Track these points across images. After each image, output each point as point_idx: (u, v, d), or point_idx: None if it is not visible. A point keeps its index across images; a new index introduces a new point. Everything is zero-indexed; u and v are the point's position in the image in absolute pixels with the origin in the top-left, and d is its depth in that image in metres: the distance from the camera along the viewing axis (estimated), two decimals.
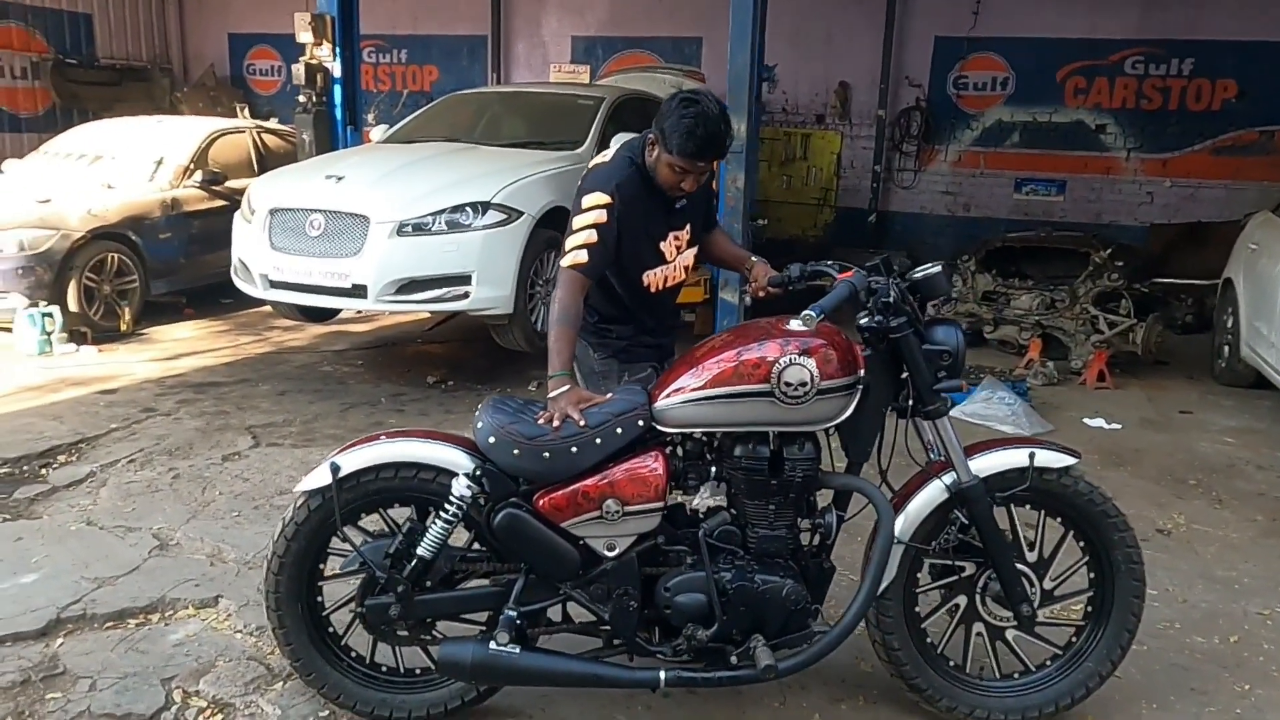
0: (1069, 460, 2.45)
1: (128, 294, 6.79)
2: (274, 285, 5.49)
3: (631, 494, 2.31)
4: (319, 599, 2.55)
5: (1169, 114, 9.19)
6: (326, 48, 7.50)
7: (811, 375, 2.25)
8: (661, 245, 2.75)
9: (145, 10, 12.22)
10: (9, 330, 6.17)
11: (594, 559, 2.39)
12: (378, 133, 7.00)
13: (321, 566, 2.53)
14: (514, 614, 2.36)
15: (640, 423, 2.35)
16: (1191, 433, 5.33)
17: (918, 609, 2.55)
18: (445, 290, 5.23)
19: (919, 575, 2.54)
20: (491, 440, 2.35)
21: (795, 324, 2.30)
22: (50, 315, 6.10)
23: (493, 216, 5.27)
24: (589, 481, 2.32)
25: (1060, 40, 9.35)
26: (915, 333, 2.35)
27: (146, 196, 7.02)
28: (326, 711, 2.58)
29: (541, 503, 2.34)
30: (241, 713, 2.59)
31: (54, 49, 11.02)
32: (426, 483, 2.42)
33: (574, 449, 2.32)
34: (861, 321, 2.38)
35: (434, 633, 2.52)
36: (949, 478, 2.42)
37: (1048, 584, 2.54)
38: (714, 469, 2.39)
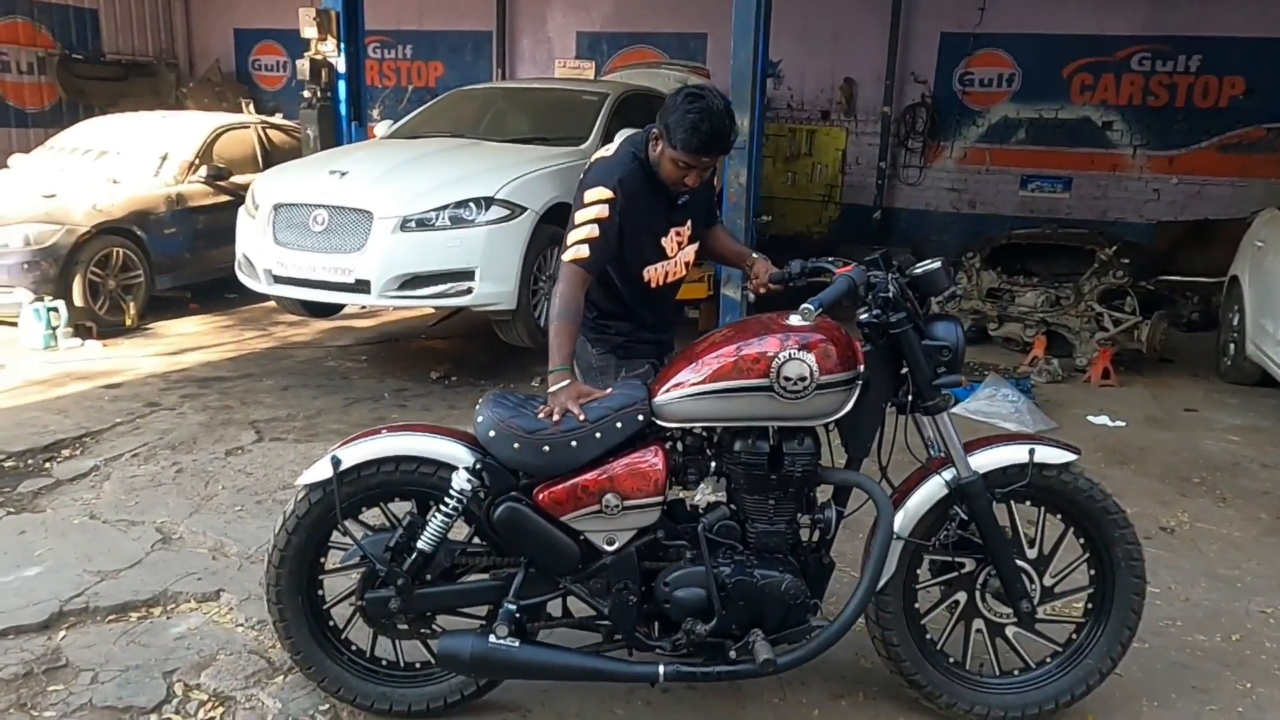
0: (1069, 456, 2.45)
1: (132, 289, 6.81)
2: (278, 280, 5.50)
3: (631, 488, 2.31)
4: (320, 592, 2.57)
5: (1176, 111, 9.16)
6: (331, 43, 7.50)
7: (811, 370, 2.25)
8: (663, 241, 2.75)
9: (151, 5, 12.26)
10: (14, 325, 6.19)
11: (593, 553, 2.39)
12: (382, 128, 7.01)
13: (322, 560, 2.55)
14: (513, 608, 2.37)
15: (640, 417, 2.35)
16: (1196, 431, 5.31)
17: (917, 605, 2.55)
18: (449, 286, 5.24)
19: (918, 571, 2.54)
20: (492, 434, 2.35)
21: (795, 319, 2.30)
22: (55, 310, 6.12)
23: (496, 212, 5.27)
24: (589, 476, 2.32)
25: (1067, 36, 9.31)
26: (915, 328, 2.34)
27: (151, 192, 7.03)
28: (327, 705, 2.59)
29: (541, 497, 2.34)
30: (242, 706, 2.60)
31: (60, 44, 11.06)
32: (427, 477, 2.42)
33: (574, 443, 2.32)
34: (861, 317, 2.38)
35: (434, 627, 2.52)
36: (949, 473, 2.41)
37: (1048, 581, 2.53)
38: (713, 464, 2.40)
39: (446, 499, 2.36)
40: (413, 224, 5.18)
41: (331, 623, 2.60)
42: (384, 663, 2.61)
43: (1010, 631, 2.56)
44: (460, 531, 2.52)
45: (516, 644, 2.35)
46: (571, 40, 11.29)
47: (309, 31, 7.48)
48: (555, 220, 5.28)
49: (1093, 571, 2.56)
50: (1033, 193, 9.77)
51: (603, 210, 2.56)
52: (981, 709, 2.55)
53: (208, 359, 6.11)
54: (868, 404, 2.36)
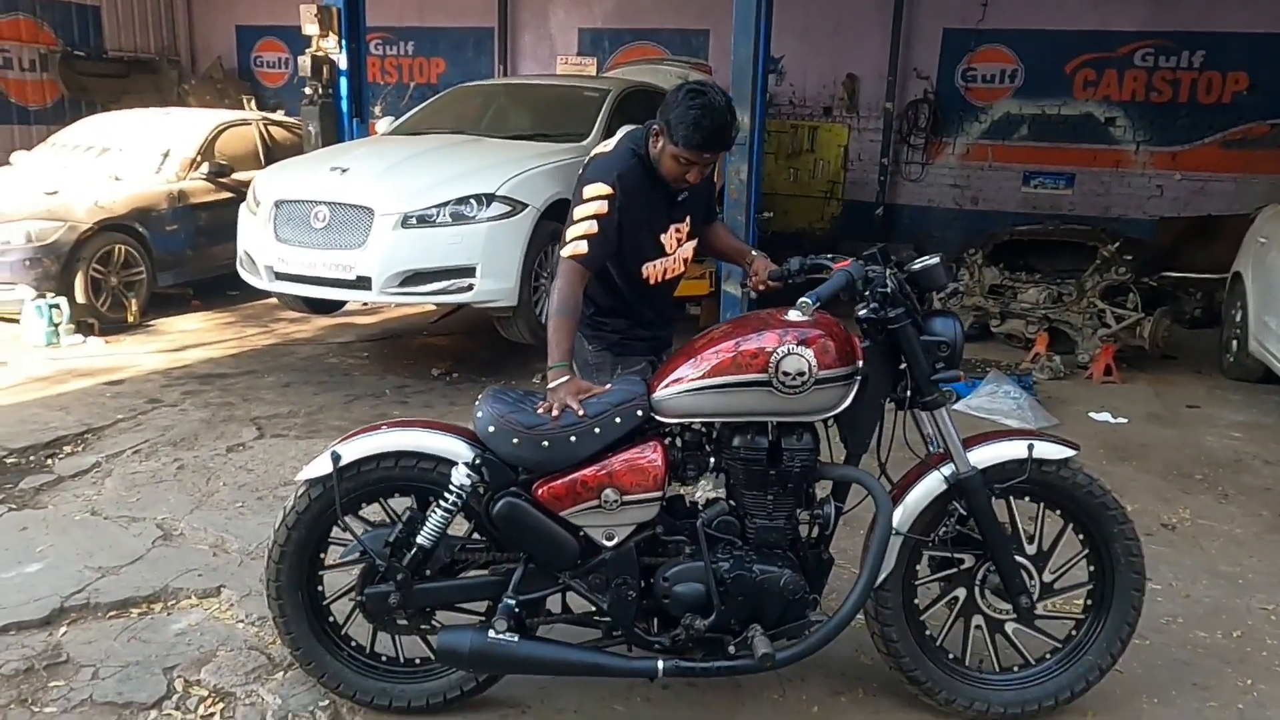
0: (1068, 452, 2.45)
1: (134, 285, 6.82)
2: (279, 277, 5.50)
3: (630, 483, 2.31)
4: (319, 588, 2.57)
5: (1179, 106, 9.12)
6: (332, 39, 7.51)
7: (809, 365, 2.25)
8: (662, 237, 2.74)
9: (153, 2, 12.25)
10: (16, 321, 6.21)
11: (593, 549, 2.39)
12: (383, 125, 7.01)
13: (322, 556, 2.55)
14: (512, 602, 2.37)
15: (639, 413, 2.35)
16: (1198, 427, 5.30)
17: (916, 601, 2.55)
18: (450, 282, 5.24)
19: (918, 567, 2.54)
20: (491, 429, 2.35)
21: (794, 314, 2.30)
22: (57, 307, 6.13)
23: (497, 209, 5.27)
24: (588, 471, 2.33)
25: (1069, 32, 9.28)
26: (913, 323, 2.35)
27: (153, 188, 7.04)
28: (327, 701, 2.59)
29: (540, 492, 2.35)
30: (242, 702, 2.61)
31: (62, 41, 11.05)
32: (427, 472, 2.43)
33: (573, 438, 2.32)
34: (860, 313, 2.38)
35: (433, 622, 2.53)
36: (947, 469, 2.42)
37: (1047, 576, 2.53)
38: (712, 460, 2.40)
39: (446, 494, 2.37)
40: (414, 220, 5.18)
41: (331, 618, 2.61)
42: (384, 658, 2.61)
43: (1010, 628, 2.56)
44: (460, 528, 2.52)
45: (515, 639, 2.35)
46: (573, 36, 11.28)
47: (310, 28, 7.48)
48: (556, 217, 5.27)
49: (1092, 567, 2.55)
50: (1035, 189, 9.74)
51: (602, 206, 2.56)
52: (981, 705, 2.55)
53: (209, 355, 6.12)
54: (866, 399, 2.36)
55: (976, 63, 9.76)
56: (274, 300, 6.74)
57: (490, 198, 5.27)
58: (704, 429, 2.44)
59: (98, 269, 6.52)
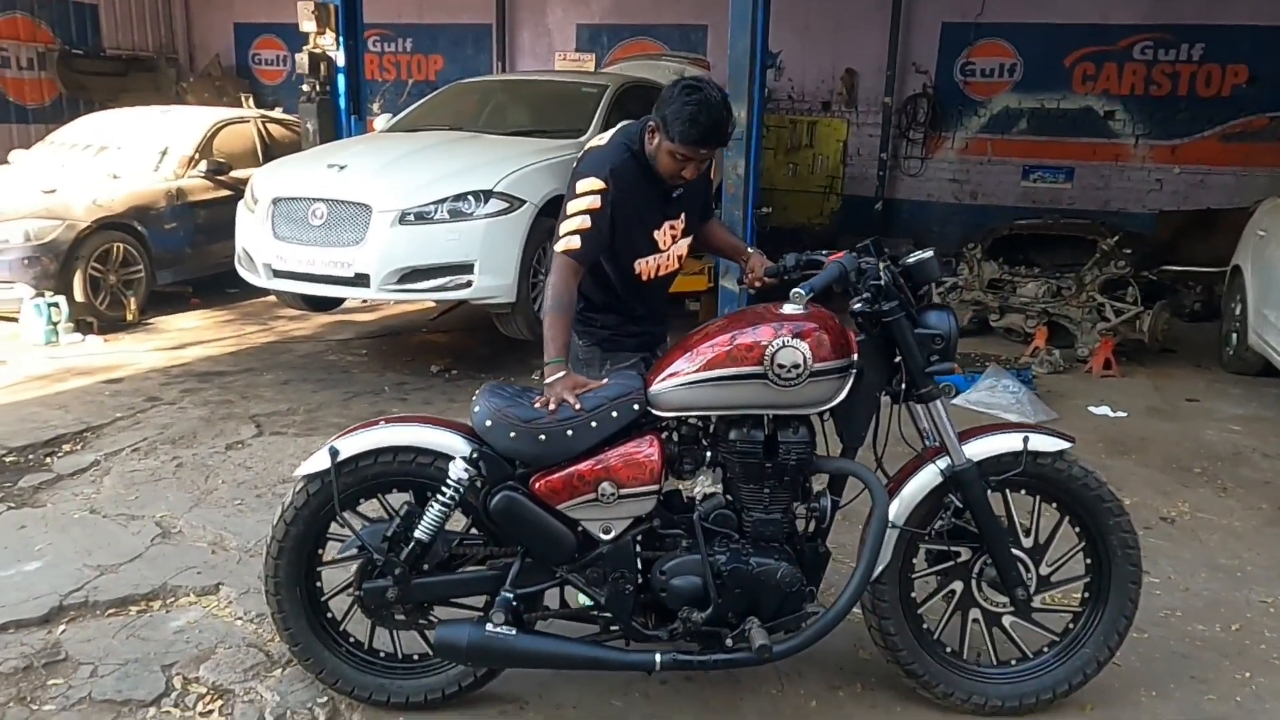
0: (1063, 444, 2.45)
1: (133, 284, 6.82)
2: (277, 274, 5.50)
3: (627, 477, 2.32)
4: (318, 584, 2.57)
5: (1178, 100, 9.11)
6: (330, 36, 7.50)
7: (804, 357, 2.26)
8: (655, 234, 2.74)
9: (151, 0, 12.23)
10: (15, 320, 6.20)
11: (590, 543, 2.40)
12: (381, 122, 7.00)
13: (320, 552, 2.55)
14: (510, 596, 2.38)
15: (635, 407, 2.36)
16: (1198, 421, 5.30)
17: (914, 595, 2.55)
18: (448, 279, 5.23)
19: (914, 561, 2.54)
20: (488, 424, 2.36)
21: (789, 308, 2.32)
22: (56, 305, 6.13)
23: (495, 205, 5.26)
24: (585, 464, 2.33)
25: (1069, 26, 9.27)
26: (908, 316, 2.36)
27: (152, 186, 7.04)
28: (325, 698, 2.59)
29: (538, 485, 2.35)
30: (241, 699, 2.61)
31: (60, 39, 11.05)
32: (424, 467, 2.43)
33: (569, 432, 2.33)
34: (855, 307, 2.39)
35: (431, 617, 2.53)
36: (943, 462, 2.42)
37: (1044, 570, 2.54)
38: (709, 454, 2.40)
39: (444, 488, 2.37)
40: (411, 217, 5.17)
41: (329, 614, 2.61)
42: (382, 654, 2.61)
43: (1007, 621, 2.56)
44: (458, 524, 2.53)
45: (513, 632, 2.36)
46: (571, 33, 11.26)
47: (308, 25, 7.48)
48: (554, 213, 5.16)
49: (1089, 560, 2.56)
50: (1035, 183, 9.74)
51: (594, 201, 2.56)
52: (979, 699, 2.55)
53: (208, 354, 6.12)
54: (862, 393, 2.37)
55: (975, 57, 9.75)
56: (273, 298, 6.74)
57: (488, 194, 5.26)
58: (700, 423, 2.44)
59: (96, 267, 6.52)
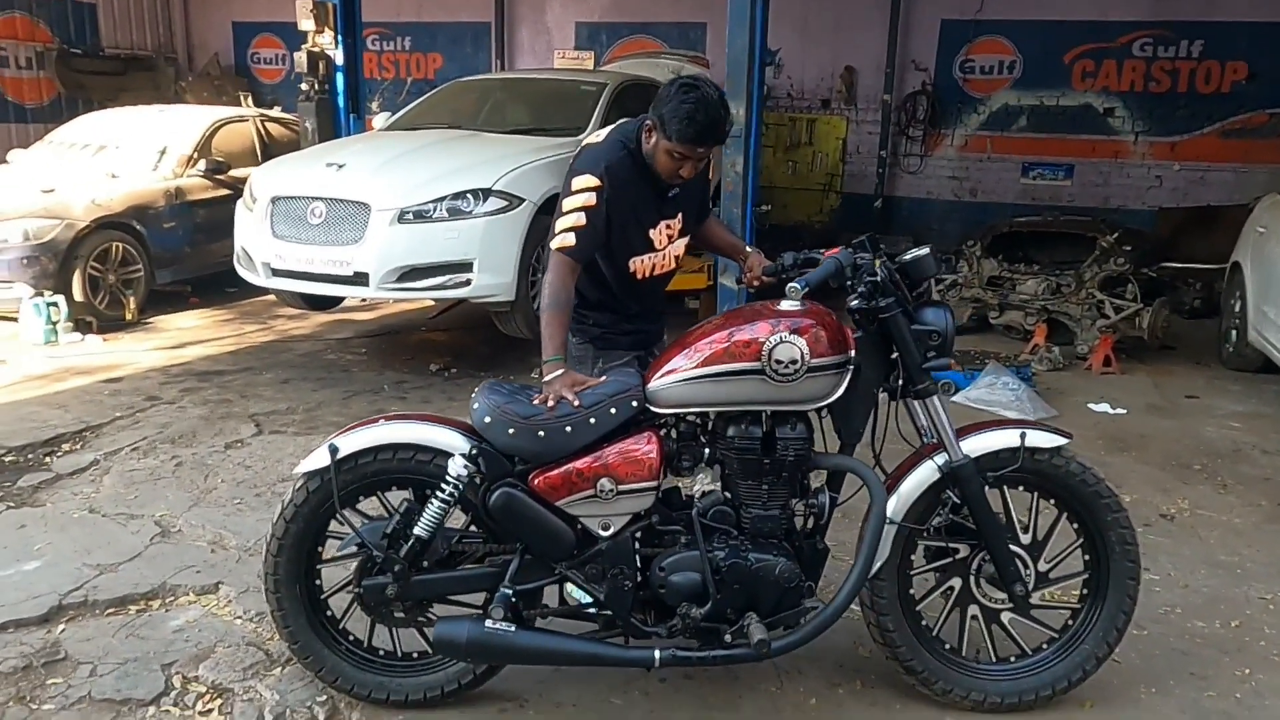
0: (1060, 440, 2.46)
1: (132, 283, 6.82)
2: (276, 273, 5.50)
3: (625, 473, 2.32)
4: (317, 582, 2.57)
5: (1178, 96, 9.10)
6: (328, 35, 7.50)
7: (802, 353, 2.27)
8: (651, 233, 2.74)
9: None
10: (15, 320, 6.20)
11: (589, 539, 2.40)
12: (380, 120, 7.00)
13: (320, 549, 2.55)
14: (509, 592, 2.38)
15: (634, 403, 2.36)
16: (1197, 418, 5.30)
17: (912, 591, 2.55)
18: (447, 278, 5.23)
19: (913, 558, 2.54)
20: (488, 420, 2.36)
21: (786, 304, 2.33)
22: (55, 305, 6.13)
23: (494, 203, 5.26)
24: (583, 461, 2.34)
25: (1068, 23, 9.26)
26: (904, 313, 2.37)
27: (150, 186, 7.04)
28: (325, 696, 2.59)
29: (537, 482, 2.36)
30: (240, 698, 2.61)
31: (59, 39, 11.04)
32: (424, 464, 2.43)
33: (568, 428, 2.33)
34: (852, 304, 2.40)
35: (430, 614, 2.53)
36: (941, 458, 2.43)
37: (1042, 566, 2.54)
38: (707, 450, 2.41)
39: (443, 485, 2.37)
40: (410, 216, 5.17)
41: (329, 613, 2.61)
42: (381, 652, 2.61)
43: (1006, 618, 2.56)
44: (457, 523, 2.52)
45: (512, 628, 2.36)
46: (570, 31, 11.25)
47: (306, 24, 7.48)
48: (553, 211, 5.26)
49: (1087, 557, 2.56)
50: (1034, 180, 9.73)
51: (590, 198, 2.56)
52: (978, 695, 2.55)
53: (207, 353, 6.12)
54: (859, 389, 2.38)
55: (975, 54, 9.74)
56: (272, 297, 6.74)
57: (487, 192, 5.26)
58: (698, 420, 2.45)
59: (95, 267, 6.52)
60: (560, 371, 2.45)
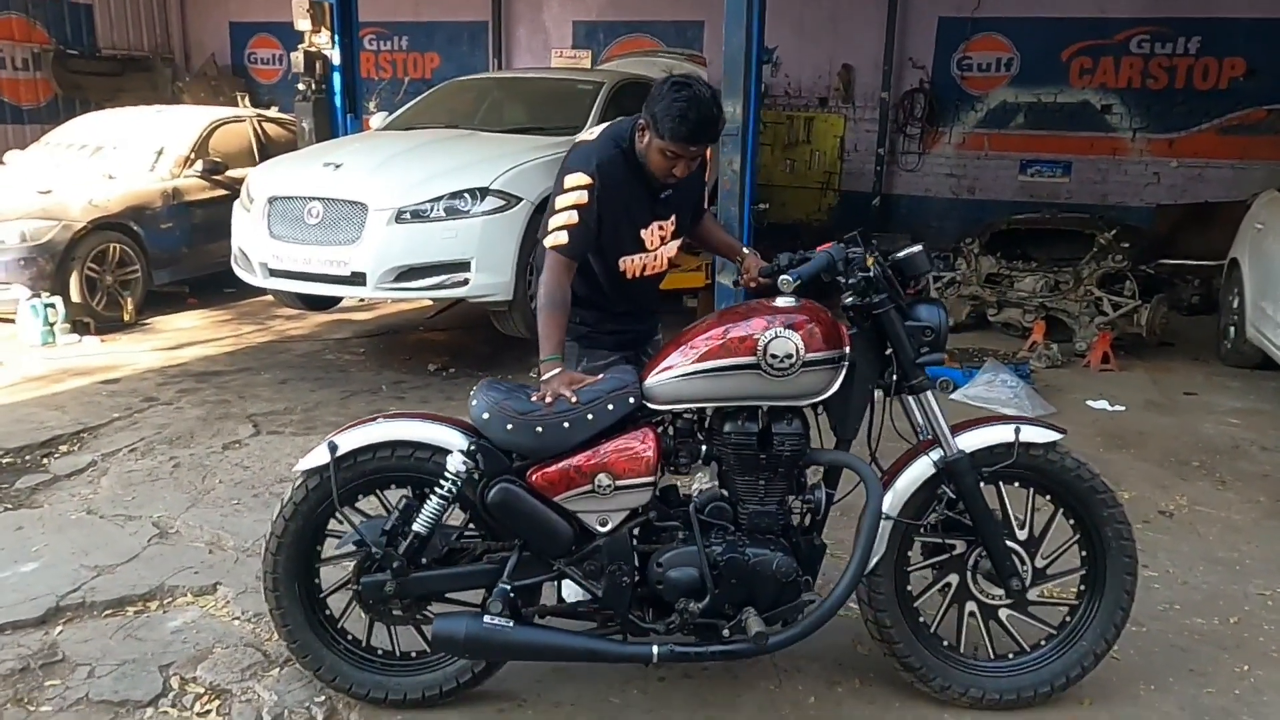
0: (1054, 435, 2.47)
1: (130, 284, 6.81)
2: (273, 274, 5.49)
3: (623, 469, 2.34)
4: (316, 581, 2.57)
5: (1175, 93, 9.09)
6: (325, 35, 7.49)
7: (797, 348, 2.29)
8: (642, 233, 2.74)
9: (146, 0, 12.20)
10: (12, 321, 6.20)
11: (587, 536, 2.41)
12: (377, 120, 6.99)
13: (319, 548, 2.55)
14: (507, 587, 2.39)
15: (631, 400, 2.38)
16: (1196, 414, 5.30)
17: (909, 588, 2.55)
18: (445, 277, 5.23)
19: (910, 554, 2.54)
20: (486, 416, 2.38)
21: (781, 300, 2.35)
22: (53, 306, 6.12)
23: (491, 203, 5.25)
24: (581, 457, 2.35)
25: (1065, 20, 9.25)
26: (897, 308, 2.39)
27: (148, 186, 7.03)
28: (323, 697, 2.59)
29: (535, 478, 2.37)
30: (238, 699, 2.60)
31: (55, 40, 11.02)
32: (423, 462, 2.44)
33: (566, 424, 2.35)
34: (846, 301, 2.43)
35: (428, 613, 2.53)
36: (936, 454, 2.44)
37: (1039, 562, 2.54)
38: (704, 447, 2.42)
39: (441, 481, 2.38)
40: (408, 215, 5.17)
41: (328, 611, 2.60)
42: (380, 652, 2.61)
43: (1004, 614, 2.56)
44: (456, 521, 2.52)
45: (510, 624, 2.37)
46: (568, 29, 11.24)
47: (303, 24, 7.46)
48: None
49: (1084, 553, 2.56)
50: (1032, 177, 9.72)
51: (582, 196, 2.57)
52: (976, 692, 2.55)
53: (205, 353, 6.11)
54: (855, 386, 2.40)
55: (972, 51, 9.73)
56: (270, 297, 6.72)
57: (484, 192, 5.25)
58: (695, 416, 2.46)
59: (93, 268, 6.51)
60: (558, 370, 2.46)
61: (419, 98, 7.37)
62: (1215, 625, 3.08)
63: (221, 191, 7.29)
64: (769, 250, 2.89)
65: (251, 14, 12.31)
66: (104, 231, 6.60)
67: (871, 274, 2.37)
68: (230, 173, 7.39)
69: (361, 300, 6.72)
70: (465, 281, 5.22)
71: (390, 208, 5.16)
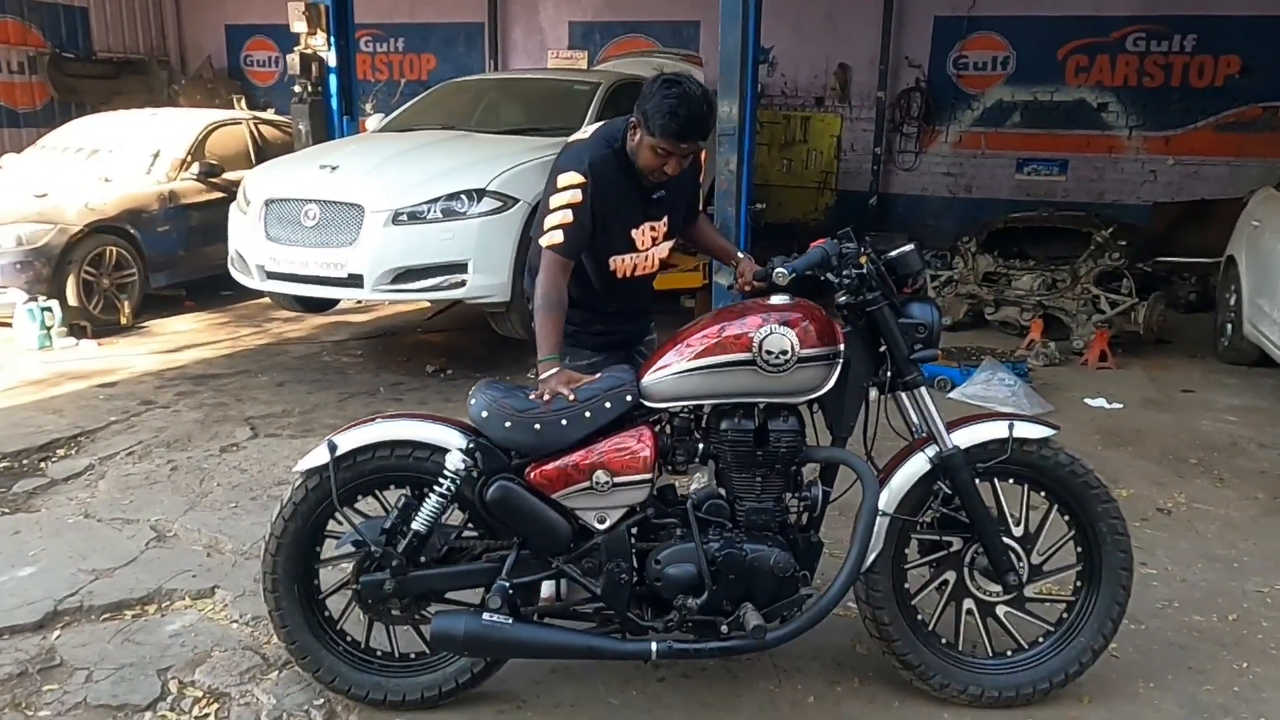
0: (1048, 431, 2.48)
1: (127, 287, 6.80)
2: (270, 276, 5.48)
3: (620, 465, 2.35)
4: (315, 582, 2.57)
5: (1171, 91, 9.10)
6: (321, 37, 7.49)
7: (792, 344, 2.31)
8: (634, 233, 2.74)
9: (141, 2, 12.18)
10: (9, 325, 6.19)
11: (585, 534, 2.42)
12: (373, 122, 6.99)
13: (318, 549, 2.55)
14: (506, 584, 2.39)
15: (628, 398, 2.39)
16: (1194, 411, 5.30)
17: (907, 585, 2.56)
18: (442, 279, 5.22)
19: (906, 552, 2.55)
20: (485, 414, 2.39)
21: (776, 299, 2.38)
22: (50, 310, 6.11)
23: (488, 204, 5.25)
24: (579, 454, 2.36)
25: (1061, 18, 9.26)
26: (891, 306, 2.41)
27: (144, 189, 7.02)
28: (321, 700, 2.58)
29: (533, 475, 2.38)
30: (237, 702, 2.60)
31: (50, 43, 11.00)
32: (422, 461, 2.45)
33: (564, 421, 2.36)
34: (840, 299, 2.45)
35: (426, 613, 2.53)
36: (932, 450, 2.45)
37: (1035, 559, 2.55)
38: (701, 445, 2.43)
39: (440, 479, 2.39)
40: (404, 217, 5.16)
41: (327, 613, 2.60)
42: (379, 653, 2.61)
43: (1001, 611, 2.57)
44: (455, 521, 2.52)
45: (510, 621, 2.37)
46: (564, 30, 11.23)
47: (298, 26, 7.47)
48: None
49: (1079, 549, 2.56)
50: (1029, 176, 9.73)
51: (575, 195, 2.57)
52: (975, 690, 2.55)
53: (203, 356, 6.11)
54: (849, 384, 2.41)
55: (968, 50, 9.74)
56: (267, 300, 6.72)
57: (481, 193, 5.25)
58: (692, 415, 2.48)
59: (89, 271, 6.50)
60: (556, 369, 2.47)
61: (415, 99, 7.36)
62: (1214, 622, 3.08)
63: (218, 194, 7.28)
64: (765, 252, 2.89)
65: (247, 16, 12.30)
66: (100, 235, 6.59)
67: (865, 271, 2.39)
68: (227, 175, 7.37)
69: (359, 302, 6.72)
70: (462, 283, 5.22)
71: (387, 209, 5.16)
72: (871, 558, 2.41)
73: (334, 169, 5.49)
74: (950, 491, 2.45)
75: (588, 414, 2.37)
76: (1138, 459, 4.55)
